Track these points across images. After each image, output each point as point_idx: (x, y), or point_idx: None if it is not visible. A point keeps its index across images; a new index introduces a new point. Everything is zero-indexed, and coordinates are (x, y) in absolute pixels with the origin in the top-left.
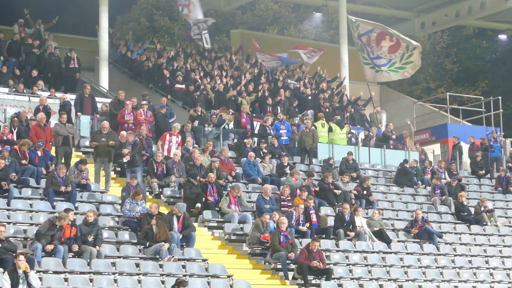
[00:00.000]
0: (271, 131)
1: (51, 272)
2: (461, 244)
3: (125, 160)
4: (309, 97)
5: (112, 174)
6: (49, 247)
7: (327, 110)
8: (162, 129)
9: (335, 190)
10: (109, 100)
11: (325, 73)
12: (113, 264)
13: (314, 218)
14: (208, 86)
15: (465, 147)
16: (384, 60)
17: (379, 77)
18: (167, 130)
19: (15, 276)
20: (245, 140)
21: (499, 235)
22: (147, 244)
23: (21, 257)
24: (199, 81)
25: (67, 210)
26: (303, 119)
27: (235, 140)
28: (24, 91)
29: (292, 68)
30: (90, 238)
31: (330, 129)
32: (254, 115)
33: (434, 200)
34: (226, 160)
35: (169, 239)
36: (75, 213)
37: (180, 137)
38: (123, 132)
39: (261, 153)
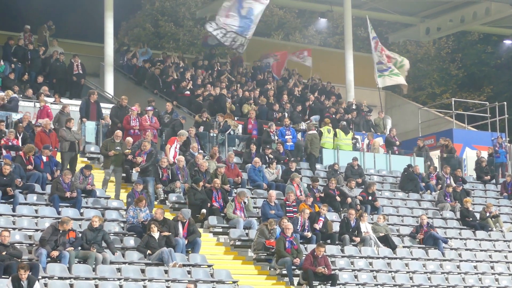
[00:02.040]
0: (275, 137)
1: (56, 278)
2: (466, 249)
3: (134, 171)
4: (312, 104)
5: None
6: (55, 254)
7: (333, 116)
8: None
9: (337, 197)
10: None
11: (319, 78)
12: (119, 270)
13: (320, 225)
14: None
15: (472, 152)
16: (384, 66)
17: (382, 81)
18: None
19: (19, 284)
20: (250, 146)
21: (505, 241)
22: (147, 252)
23: (22, 271)
24: (203, 87)
25: (68, 220)
26: (309, 124)
27: (240, 147)
28: (31, 96)
29: (298, 72)
30: (93, 250)
31: (335, 135)
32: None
33: (444, 206)
34: (232, 165)
35: (173, 244)
36: (81, 219)
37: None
38: (129, 138)
39: (267, 158)
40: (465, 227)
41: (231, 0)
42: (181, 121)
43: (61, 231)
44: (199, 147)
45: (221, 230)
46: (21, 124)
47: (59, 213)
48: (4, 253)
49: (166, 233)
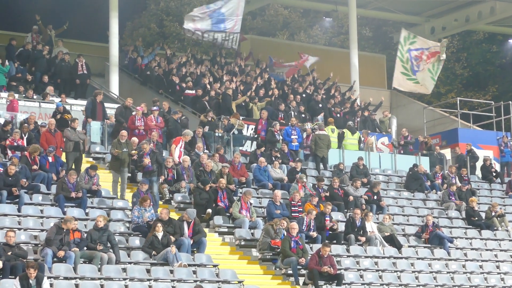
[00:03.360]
0: (280, 136)
1: (62, 278)
2: (472, 249)
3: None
4: (320, 105)
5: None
6: (61, 253)
7: (338, 115)
8: (173, 135)
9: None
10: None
11: (337, 79)
12: (124, 269)
13: (331, 224)
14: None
15: (477, 152)
16: (428, 73)
17: (418, 87)
18: (178, 136)
19: (27, 283)
20: (257, 149)
21: (510, 240)
22: (152, 253)
23: (31, 270)
24: (209, 86)
25: (71, 218)
26: (316, 125)
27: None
28: (34, 97)
29: (302, 73)
30: (100, 247)
31: (342, 135)
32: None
33: (449, 205)
34: (239, 166)
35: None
36: (86, 219)
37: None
38: (134, 139)
39: (273, 159)
40: (471, 226)
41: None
42: (174, 117)
43: (65, 230)
44: (205, 147)
45: (226, 230)
46: (26, 125)
47: (64, 213)
48: (9, 253)
49: (173, 248)
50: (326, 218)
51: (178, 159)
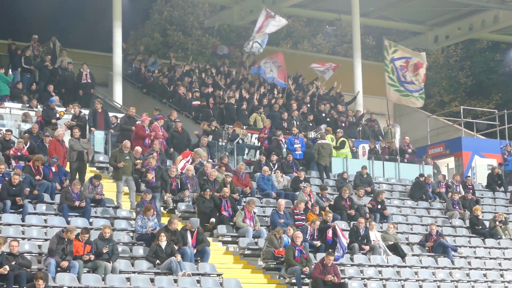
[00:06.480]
0: (284, 145)
1: (66, 287)
2: (476, 257)
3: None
4: (323, 114)
5: (126, 189)
6: (64, 264)
7: (343, 124)
8: (180, 147)
9: (349, 211)
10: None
11: (340, 88)
12: (128, 279)
13: (330, 233)
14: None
15: (481, 160)
16: (417, 86)
17: (406, 100)
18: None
19: None
20: (260, 156)
21: None
22: (156, 262)
23: (40, 282)
24: (212, 98)
25: (72, 229)
26: (318, 134)
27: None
28: (38, 106)
29: (307, 83)
30: (105, 250)
31: (343, 143)
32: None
33: (453, 214)
34: (243, 175)
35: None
36: (90, 228)
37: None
38: (138, 148)
39: (271, 165)
40: (475, 235)
41: (263, 16)
42: (178, 129)
43: (66, 240)
44: (209, 156)
45: (230, 239)
46: (26, 135)
47: (68, 222)
48: (13, 263)
49: (178, 256)
50: (330, 228)
51: (181, 170)
